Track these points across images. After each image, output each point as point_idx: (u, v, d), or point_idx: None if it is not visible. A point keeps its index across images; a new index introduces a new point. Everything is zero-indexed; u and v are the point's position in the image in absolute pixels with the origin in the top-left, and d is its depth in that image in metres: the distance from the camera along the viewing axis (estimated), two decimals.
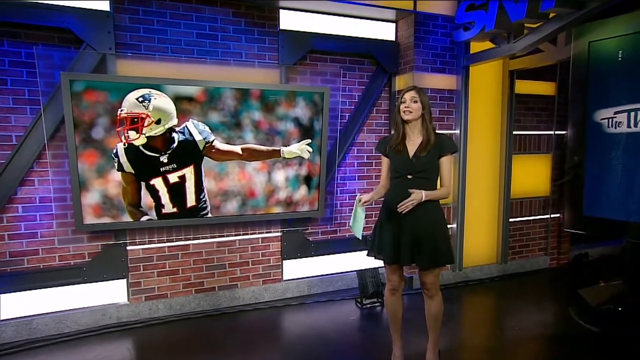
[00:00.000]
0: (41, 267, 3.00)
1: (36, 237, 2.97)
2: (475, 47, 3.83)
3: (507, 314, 3.49)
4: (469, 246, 4.14)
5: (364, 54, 3.81)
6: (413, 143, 2.42)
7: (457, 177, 3.95)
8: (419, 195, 2.30)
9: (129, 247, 3.23)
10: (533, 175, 4.44)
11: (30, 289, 2.98)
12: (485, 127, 4.15)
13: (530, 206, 4.46)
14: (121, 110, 2.88)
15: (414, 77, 3.75)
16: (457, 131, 3.92)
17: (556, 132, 4.45)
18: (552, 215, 4.55)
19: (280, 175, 3.44)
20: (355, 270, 3.77)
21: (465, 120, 3.91)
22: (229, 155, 3.24)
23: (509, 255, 4.37)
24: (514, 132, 4.23)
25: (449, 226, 3.98)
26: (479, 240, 4.24)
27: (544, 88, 4.39)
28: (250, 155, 3.30)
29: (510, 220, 4.32)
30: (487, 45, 3.70)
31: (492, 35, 3.55)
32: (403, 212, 2.31)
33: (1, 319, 2.93)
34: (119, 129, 2.89)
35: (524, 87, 4.25)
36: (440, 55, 3.84)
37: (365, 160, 3.97)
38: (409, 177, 2.38)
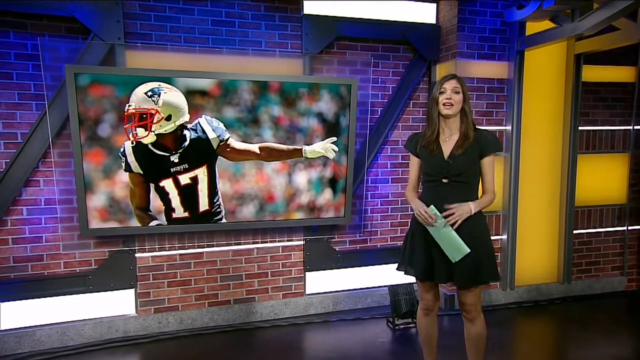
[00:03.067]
0: (45, 274, 3.10)
1: (41, 241, 3.07)
2: (532, 27, 3.62)
3: (569, 344, 3.27)
4: (523, 261, 3.93)
5: (400, 40, 3.70)
6: (449, 141, 2.31)
7: (507, 181, 3.76)
8: (465, 209, 2.20)
9: (137, 255, 3.29)
10: (605, 178, 4.16)
11: (33, 298, 3.08)
12: (544, 122, 3.93)
13: (601, 216, 4.18)
14: (129, 106, 2.91)
15: (457, 65, 3.59)
16: (509, 127, 3.73)
17: (635, 127, 4.14)
18: (630, 227, 4.22)
19: (302, 177, 3.39)
20: (387, 286, 3.67)
21: (519, 114, 3.71)
22: (246, 155, 3.22)
23: (574, 273, 4.11)
24: (580, 128, 3.97)
25: (498, 237, 3.83)
26: (535, 254, 4.02)
27: (620, 74, 4.09)
28: (268, 154, 3.27)
29: (575, 232, 4.07)
30: (547, 25, 3.48)
31: (553, 13, 3.31)
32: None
33: (3, 328, 3.04)
34: (127, 126, 2.94)
35: (593, 73, 3.99)
36: (489, 38, 3.66)
37: (400, 161, 3.86)
38: (444, 181, 2.28)
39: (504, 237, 3.83)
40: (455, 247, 2.19)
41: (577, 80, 3.88)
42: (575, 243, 4.09)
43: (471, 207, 2.21)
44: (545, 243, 4.05)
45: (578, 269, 4.15)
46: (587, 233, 4.15)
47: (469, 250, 2.18)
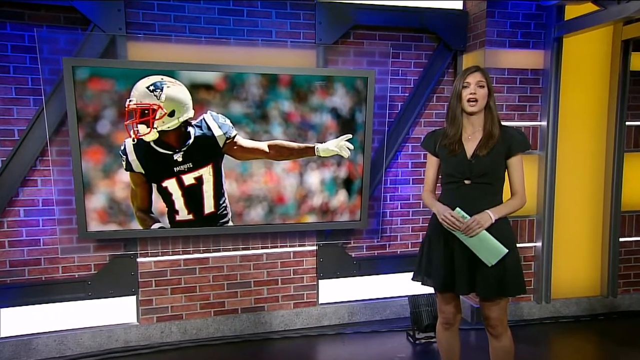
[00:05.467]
0: (43, 279, 3.14)
1: (38, 244, 3.11)
2: (571, 11, 3.49)
3: None
4: (560, 272, 3.81)
5: (422, 28, 3.63)
6: (472, 139, 2.27)
7: (542, 182, 3.64)
8: (485, 219, 2.15)
9: (139, 259, 3.30)
10: None
11: (30, 304, 3.12)
12: (585, 117, 3.80)
13: None
14: (130, 101, 2.93)
15: (486, 55, 3.50)
16: (544, 122, 3.61)
17: None
18: None
19: (314, 178, 3.36)
20: (407, 296, 3.62)
21: (555, 108, 3.59)
22: (254, 154, 3.21)
23: (620, 286, 3.97)
24: (627, 123, 3.82)
25: (532, 244, 3.74)
26: (574, 264, 3.90)
27: None
28: (278, 153, 3.25)
29: (622, 239, 3.93)
30: (589, 7, 3.33)
31: None
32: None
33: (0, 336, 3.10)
34: (128, 122, 2.95)
35: None
36: (523, 25, 3.55)
37: (422, 160, 3.78)
38: (467, 182, 2.24)
39: (539, 244, 3.72)
40: (490, 249, 2.14)
41: (625, 69, 3.74)
42: (621, 252, 3.94)
43: (490, 215, 2.16)
44: (586, 252, 3.93)
45: (625, 282, 4.01)
46: (635, 241, 4.01)
47: (507, 251, 2.13)
